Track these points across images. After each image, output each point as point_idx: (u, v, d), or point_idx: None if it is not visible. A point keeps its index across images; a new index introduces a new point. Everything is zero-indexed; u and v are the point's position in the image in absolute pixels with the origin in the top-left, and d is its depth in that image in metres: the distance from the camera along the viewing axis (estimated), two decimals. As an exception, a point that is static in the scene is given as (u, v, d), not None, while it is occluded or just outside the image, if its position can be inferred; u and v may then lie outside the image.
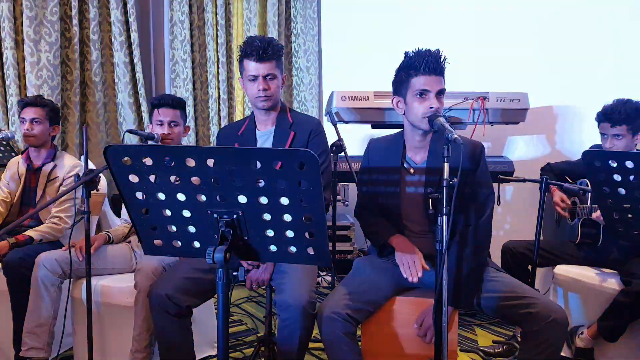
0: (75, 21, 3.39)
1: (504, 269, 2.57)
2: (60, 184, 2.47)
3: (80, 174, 1.86)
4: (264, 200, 1.19)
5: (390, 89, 2.97)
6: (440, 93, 1.77)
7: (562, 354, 2.40)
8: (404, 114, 1.85)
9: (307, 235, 1.23)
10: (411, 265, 1.76)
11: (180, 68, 3.84)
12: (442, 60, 1.76)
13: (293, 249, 1.27)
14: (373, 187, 1.98)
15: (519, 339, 2.52)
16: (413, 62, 1.76)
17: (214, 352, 2.44)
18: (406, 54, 1.81)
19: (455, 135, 1.52)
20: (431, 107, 1.74)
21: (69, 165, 2.50)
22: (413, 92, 1.77)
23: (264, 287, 1.96)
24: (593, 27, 3.26)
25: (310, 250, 1.26)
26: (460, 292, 1.75)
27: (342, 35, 4.39)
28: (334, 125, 2.80)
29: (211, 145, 3.84)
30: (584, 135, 3.44)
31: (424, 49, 1.77)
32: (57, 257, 2.14)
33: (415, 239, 1.93)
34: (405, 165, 1.92)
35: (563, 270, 2.50)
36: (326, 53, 4.52)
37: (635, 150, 2.44)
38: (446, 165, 1.53)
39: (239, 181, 1.18)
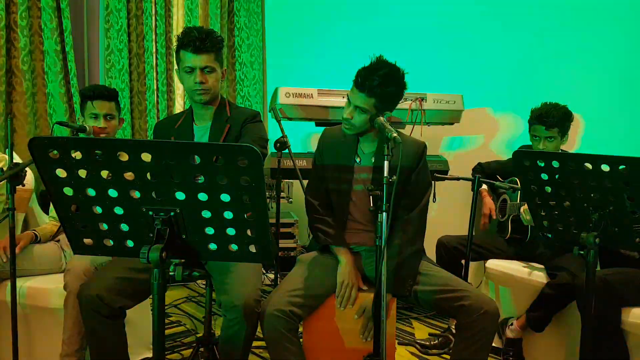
0: (1, 5, 3.17)
1: (438, 262, 2.67)
2: None
3: (4, 168, 1.74)
4: (203, 197, 1.16)
5: (334, 87, 3.02)
6: (357, 109, 1.82)
7: (493, 344, 2.51)
8: None
9: (249, 232, 1.21)
10: (347, 296, 1.82)
11: (116, 58, 3.67)
12: (373, 80, 1.76)
13: (234, 247, 1.24)
14: (325, 178, 1.99)
15: (454, 332, 2.62)
16: (356, 75, 1.82)
17: (151, 354, 2.36)
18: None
19: (395, 134, 1.56)
20: (343, 117, 1.84)
21: None
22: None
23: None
24: (526, 32, 3.44)
25: (252, 248, 1.24)
26: (398, 280, 1.80)
27: (287, 32, 4.37)
28: (278, 122, 2.78)
29: (148, 139, 3.71)
30: (513, 136, 3.61)
31: (370, 64, 1.81)
32: (-22, 258, 2.00)
33: (358, 232, 1.96)
34: (356, 159, 1.94)
35: (494, 264, 2.61)
36: (270, 49, 4.48)
37: (560, 151, 2.60)
38: (386, 163, 1.56)
39: (176, 177, 1.14)
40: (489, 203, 2.79)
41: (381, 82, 1.75)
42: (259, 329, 1.73)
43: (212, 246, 1.24)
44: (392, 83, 1.78)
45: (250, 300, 1.68)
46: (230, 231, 1.21)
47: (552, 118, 2.48)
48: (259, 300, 1.73)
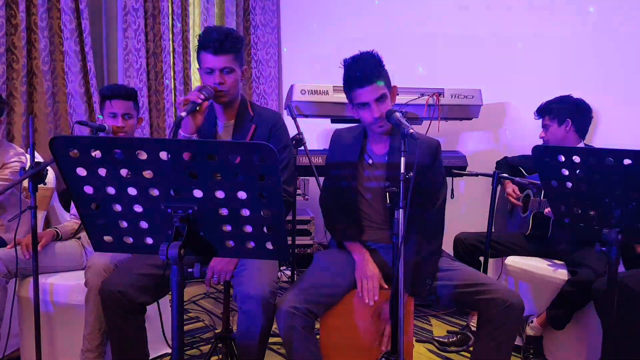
0: (22, 7, 3.22)
1: (455, 259, 2.64)
2: (3, 167, 2.33)
3: (26, 166, 1.77)
4: (220, 194, 1.17)
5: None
6: (380, 99, 1.78)
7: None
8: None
9: (265, 229, 1.22)
10: (369, 289, 1.80)
11: (133, 57, 3.72)
12: (374, 66, 1.76)
13: (251, 243, 1.25)
14: (338, 179, 2.00)
15: (472, 329, 2.59)
16: (349, 75, 1.79)
17: (170, 350, 2.39)
18: (344, 64, 1.83)
19: (411, 130, 1.55)
20: (374, 117, 1.78)
21: (11, 153, 2.37)
22: (355, 104, 1.82)
23: (226, 280, 1.90)
24: (546, 25, 3.37)
25: (269, 245, 1.24)
26: (416, 280, 1.79)
27: (302, 28, 4.37)
28: (294, 119, 2.79)
29: (166, 137, 3.74)
30: (535, 131, 3.56)
31: (358, 57, 1.79)
32: (2, 256, 2.04)
33: (374, 230, 1.96)
34: (366, 157, 1.94)
35: (513, 261, 2.58)
36: (286, 46, 4.49)
37: (583, 145, 2.56)
38: (403, 160, 1.55)
39: (193, 175, 1.15)
40: (511, 185, 2.76)
41: (376, 64, 1.78)
42: (274, 325, 1.74)
43: (230, 243, 1.25)
44: (380, 62, 1.81)
45: (267, 291, 1.68)
46: (248, 228, 1.22)
47: (541, 106, 2.61)
48: (275, 293, 1.74)
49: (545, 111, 2.58)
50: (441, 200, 1.91)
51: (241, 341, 1.74)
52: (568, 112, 2.52)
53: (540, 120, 2.63)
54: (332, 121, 3.47)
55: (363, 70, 1.75)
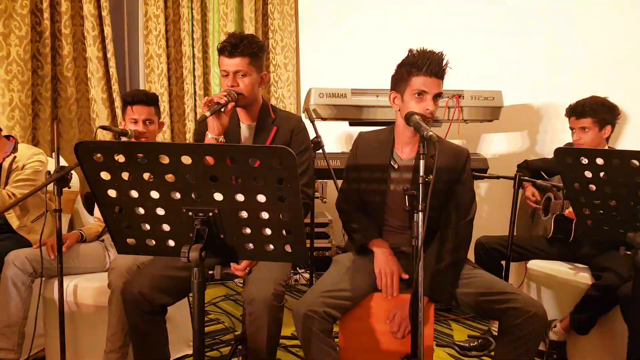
0: (46, 15, 3.30)
1: (477, 263, 2.61)
2: (23, 167, 2.39)
3: (46, 164, 1.80)
4: (240, 197, 1.18)
5: (367, 86, 2.99)
6: (437, 96, 1.79)
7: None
8: (399, 110, 1.86)
9: (284, 232, 1.23)
10: (389, 284, 1.79)
11: (155, 63, 3.78)
12: (444, 64, 1.77)
13: (271, 246, 1.26)
14: (359, 183, 1.98)
15: (494, 334, 2.56)
16: (416, 61, 1.77)
17: (191, 352, 2.41)
18: (410, 51, 1.82)
19: (431, 133, 1.53)
20: (427, 109, 1.76)
21: (29, 153, 2.42)
22: (412, 91, 1.78)
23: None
24: (567, 25, 3.32)
25: (288, 248, 1.25)
26: (438, 285, 1.77)
27: (320, 32, 4.38)
28: (312, 122, 2.80)
29: (187, 141, 3.79)
30: (557, 133, 3.51)
31: (428, 49, 1.79)
32: (28, 255, 2.09)
33: (394, 234, 1.95)
34: (392, 162, 1.93)
35: (536, 265, 2.55)
36: (304, 50, 4.51)
37: (606, 147, 2.51)
38: (422, 162, 1.54)
39: (214, 178, 1.16)
40: (530, 189, 2.72)
41: (446, 69, 1.77)
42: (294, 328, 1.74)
43: (250, 245, 1.26)
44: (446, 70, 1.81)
45: (269, 293, 1.68)
46: (267, 231, 1.23)
47: (582, 107, 2.45)
48: (280, 295, 1.73)
49: (588, 113, 2.43)
50: (471, 215, 1.88)
51: (251, 343, 1.75)
52: (609, 117, 2.43)
53: (570, 120, 2.52)
54: (350, 124, 3.48)
55: (439, 63, 1.75)
